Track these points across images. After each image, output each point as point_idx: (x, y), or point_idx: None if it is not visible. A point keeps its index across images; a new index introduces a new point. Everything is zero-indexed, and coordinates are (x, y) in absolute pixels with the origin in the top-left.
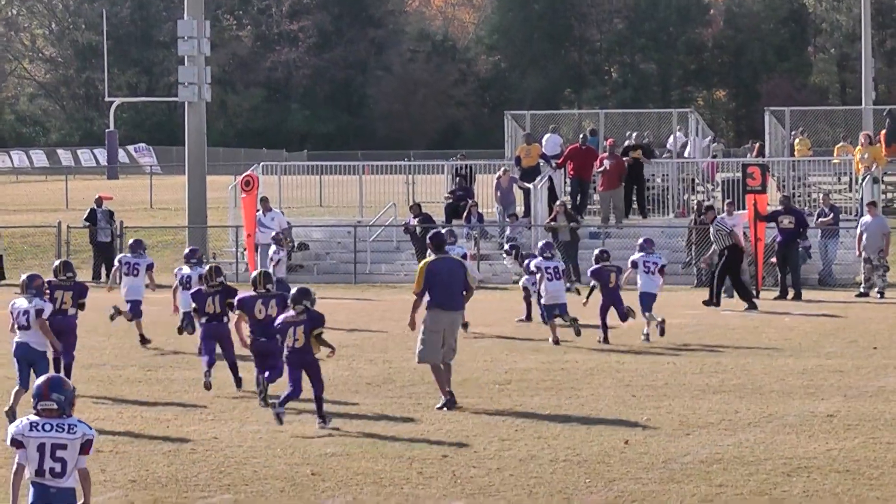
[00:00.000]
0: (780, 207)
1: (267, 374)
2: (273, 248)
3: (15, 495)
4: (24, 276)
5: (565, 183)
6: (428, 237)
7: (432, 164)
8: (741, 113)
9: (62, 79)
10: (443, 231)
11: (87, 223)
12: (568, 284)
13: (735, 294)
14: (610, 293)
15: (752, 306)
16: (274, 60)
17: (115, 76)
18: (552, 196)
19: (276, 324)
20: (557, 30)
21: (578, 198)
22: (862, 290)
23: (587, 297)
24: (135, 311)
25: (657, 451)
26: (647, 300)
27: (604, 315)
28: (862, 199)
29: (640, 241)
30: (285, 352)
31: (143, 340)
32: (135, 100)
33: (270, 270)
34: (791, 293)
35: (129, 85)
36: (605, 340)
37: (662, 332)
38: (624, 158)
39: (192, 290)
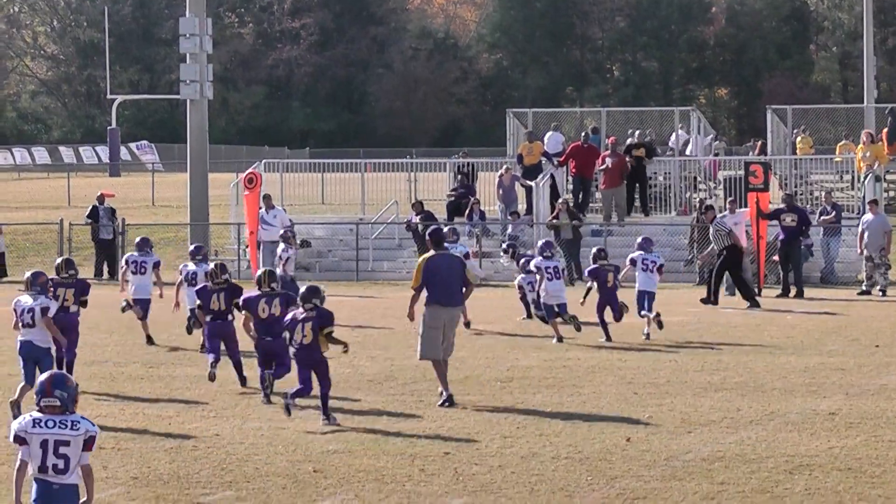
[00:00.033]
0: (782, 205)
1: (273, 369)
2: (281, 246)
3: (18, 492)
4: (28, 274)
5: (567, 181)
6: (427, 233)
7: (434, 162)
8: (743, 111)
9: (64, 76)
10: (445, 229)
11: (89, 220)
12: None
13: (736, 292)
14: (607, 293)
15: (755, 304)
16: (275, 58)
17: (116, 73)
18: (554, 194)
19: (284, 320)
20: (559, 28)
21: (580, 196)
22: (864, 288)
23: (584, 297)
24: (145, 309)
25: (659, 448)
26: (647, 298)
27: (601, 314)
28: (864, 197)
29: (640, 239)
30: (292, 349)
31: (150, 341)
32: (137, 97)
33: (280, 269)
34: (793, 291)
35: (131, 82)
36: (608, 339)
37: (661, 326)
38: (627, 158)
39: (197, 288)
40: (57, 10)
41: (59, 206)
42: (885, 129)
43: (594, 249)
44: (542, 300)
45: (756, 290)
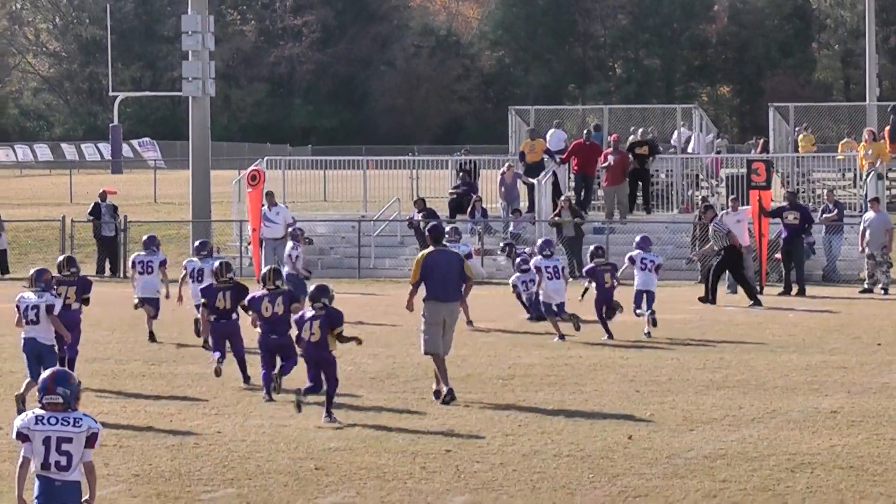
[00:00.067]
0: (785, 203)
1: (277, 368)
2: (290, 244)
3: (20, 488)
4: (32, 271)
5: (569, 178)
6: (426, 229)
7: (436, 160)
8: (745, 109)
9: (66, 73)
10: (447, 228)
11: (91, 217)
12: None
13: (739, 290)
14: (605, 292)
15: (757, 302)
16: (277, 55)
17: (118, 71)
18: (556, 191)
19: (294, 318)
20: (561, 25)
21: (582, 193)
22: (866, 286)
23: (582, 295)
24: (155, 308)
25: (661, 446)
26: (646, 297)
27: (599, 311)
28: (866, 195)
29: (638, 238)
30: (300, 348)
31: (152, 338)
32: (139, 94)
33: (290, 267)
34: (795, 289)
35: (133, 79)
36: (610, 336)
37: (655, 323)
38: (630, 156)
39: (203, 286)
40: (59, 6)
41: (61, 203)
42: (888, 127)
43: (591, 247)
44: (541, 299)
45: (758, 288)
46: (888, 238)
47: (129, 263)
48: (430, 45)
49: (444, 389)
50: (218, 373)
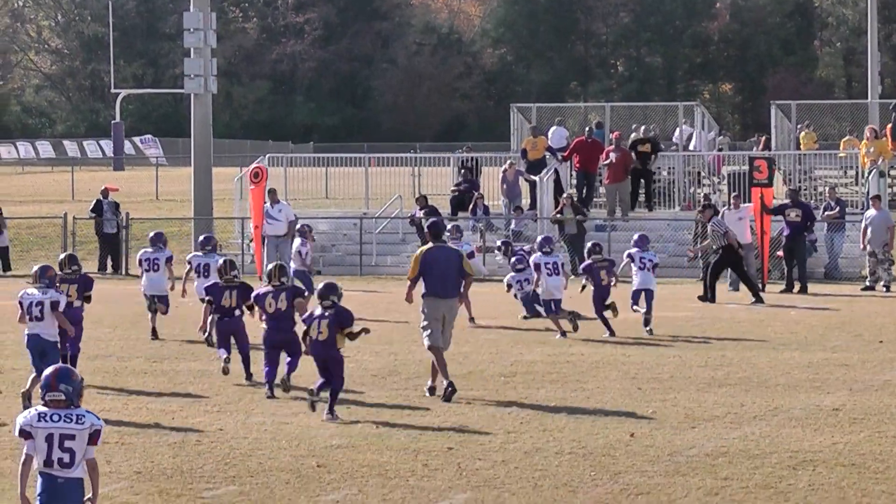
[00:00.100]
0: (787, 201)
1: (287, 362)
2: (298, 241)
3: (23, 485)
4: (35, 267)
5: (571, 176)
6: (426, 225)
7: (438, 157)
8: (747, 106)
9: (68, 70)
10: (448, 226)
11: (93, 214)
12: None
13: (741, 287)
14: (602, 290)
15: (759, 300)
16: (279, 53)
17: (120, 68)
18: (558, 189)
19: (303, 318)
20: (563, 23)
21: (584, 191)
22: (867, 283)
23: (581, 290)
24: (165, 304)
25: (663, 443)
26: (645, 296)
27: (598, 308)
28: (868, 192)
29: (636, 236)
30: (304, 346)
31: (154, 335)
32: (141, 91)
33: (298, 264)
34: (797, 286)
35: (135, 76)
36: (612, 334)
37: (648, 324)
38: (632, 154)
39: (208, 284)
40: (61, 4)
41: (62, 200)
42: (889, 125)
43: (588, 244)
44: (541, 296)
45: (760, 285)
46: (890, 235)
47: (137, 261)
48: (431, 43)
49: (444, 384)
50: (226, 372)
